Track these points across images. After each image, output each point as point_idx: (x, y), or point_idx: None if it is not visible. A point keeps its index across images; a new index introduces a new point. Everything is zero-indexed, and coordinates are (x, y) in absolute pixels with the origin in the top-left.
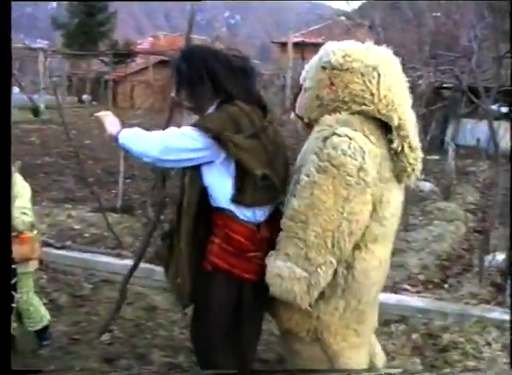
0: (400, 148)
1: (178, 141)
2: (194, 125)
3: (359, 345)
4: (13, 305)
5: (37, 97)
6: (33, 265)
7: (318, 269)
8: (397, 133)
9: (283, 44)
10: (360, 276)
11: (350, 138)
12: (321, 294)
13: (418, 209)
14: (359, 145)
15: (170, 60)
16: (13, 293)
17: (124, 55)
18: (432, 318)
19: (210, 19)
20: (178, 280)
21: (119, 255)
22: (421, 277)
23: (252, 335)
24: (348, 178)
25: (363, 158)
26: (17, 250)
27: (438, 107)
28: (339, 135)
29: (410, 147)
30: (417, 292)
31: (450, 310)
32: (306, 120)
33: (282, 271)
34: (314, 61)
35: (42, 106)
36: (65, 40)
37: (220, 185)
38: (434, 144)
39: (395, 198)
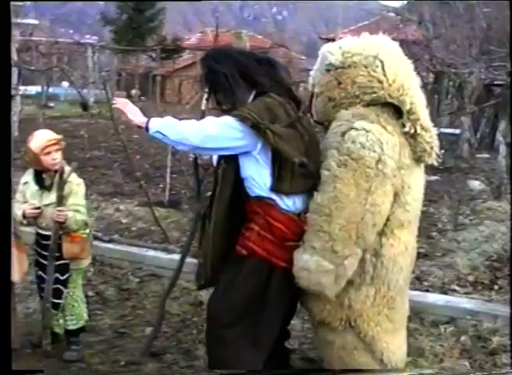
0: (412, 130)
1: (218, 130)
2: (233, 114)
3: (393, 330)
4: (61, 301)
5: (86, 91)
6: (86, 262)
7: (345, 261)
8: (408, 117)
9: (331, 40)
10: (388, 262)
11: (367, 131)
12: (351, 283)
13: (468, 209)
14: (376, 137)
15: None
16: (62, 288)
17: (172, 50)
18: (482, 320)
19: (257, 14)
20: (200, 260)
21: (165, 250)
22: (471, 278)
23: (272, 323)
24: (367, 170)
25: (381, 149)
26: (67, 248)
27: (489, 104)
28: (357, 129)
29: (422, 128)
30: (466, 293)
31: (500, 312)
32: (326, 123)
33: (310, 264)
34: (317, 66)
35: (91, 100)
36: (114, 35)
37: (259, 175)
38: (484, 142)
39: (416, 181)
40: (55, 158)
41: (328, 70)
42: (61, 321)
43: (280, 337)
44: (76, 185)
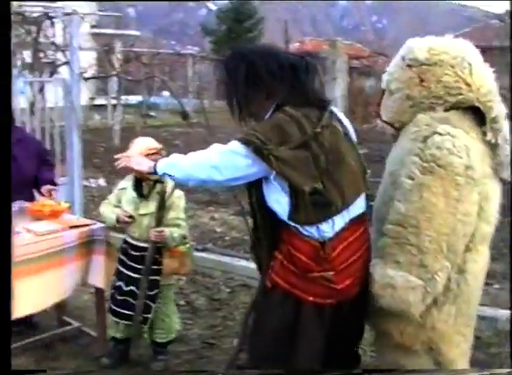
0: (493, 140)
1: (222, 159)
2: (238, 138)
3: (467, 352)
4: (149, 315)
5: (186, 101)
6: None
7: (435, 276)
8: (490, 125)
9: None
10: (471, 279)
11: (453, 136)
12: (434, 302)
13: None
14: (463, 142)
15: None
16: (151, 304)
17: None
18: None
19: (357, 23)
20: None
21: None
22: None
23: (305, 361)
24: (457, 178)
25: (468, 155)
26: (166, 264)
27: None
28: (441, 134)
29: (503, 139)
30: None
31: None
32: (397, 125)
33: (395, 280)
34: (396, 61)
35: (190, 110)
36: (214, 46)
37: (278, 202)
38: None
39: (495, 194)
40: None
41: (410, 66)
42: (145, 335)
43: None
44: (177, 198)
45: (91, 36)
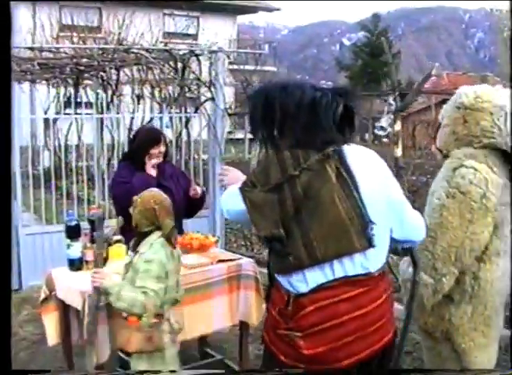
0: None
1: (226, 202)
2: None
3: (486, 345)
4: None
5: None
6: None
7: (443, 278)
8: None
9: None
10: (485, 284)
11: (476, 169)
12: (452, 300)
13: None
14: (483, 176)
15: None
16: None
17: (406, 94)
18: None
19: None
20: None
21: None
22: None
23: None
24: (472, 203)
25: (486, 186)
26: (123, 335)
27: None
28: (467, 167)
29: None
30: None
31: None
32: (444, 152)
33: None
34: (451, 101)
35: None
36: (350, 81)
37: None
38: None
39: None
40: None
41: (458, 108)
42: None
43: None
44: (142, 262)
45: (230, 72)
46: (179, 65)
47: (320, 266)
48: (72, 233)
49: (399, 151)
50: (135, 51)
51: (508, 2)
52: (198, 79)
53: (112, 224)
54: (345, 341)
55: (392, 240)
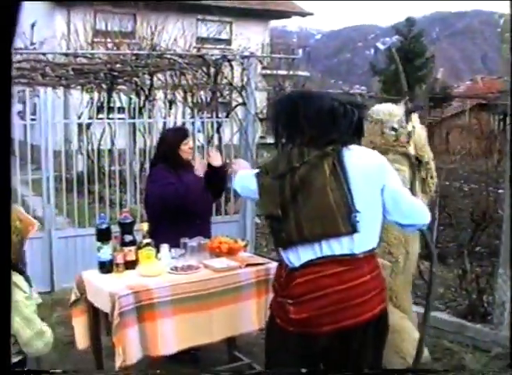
0: (424, 176)
1: (246, 182)
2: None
3: (410, 300)
4: None
5: None
6: None
7: (398, 260)
8: (425, 167)
9: None
10: (412, 257)
11: (401, 171)
12: (393, 273)
13: None
14: (407, 175)
15: (487, 104)
16: None
17: (441, 99)
18: None
19: None
20: None
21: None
22: None
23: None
24: None
25: (411, 185)
26: None
27: None
28: (396, 169)
29: (431, 177)
30: None
31: None
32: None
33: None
34: (368, 117)
35: None
36: (383, 85)
37: None
38: None
39: None
40: None
41: (376, 123)
42: None
43: None
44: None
45: (262, 77)
46: (212, 70)
47: (310, 244)
48: (103, 236)
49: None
50: (168, 56)
51: (508, 2)
52: (230, 84)
53: (142, 228)
54: (328, 309)
55: (399, 225)
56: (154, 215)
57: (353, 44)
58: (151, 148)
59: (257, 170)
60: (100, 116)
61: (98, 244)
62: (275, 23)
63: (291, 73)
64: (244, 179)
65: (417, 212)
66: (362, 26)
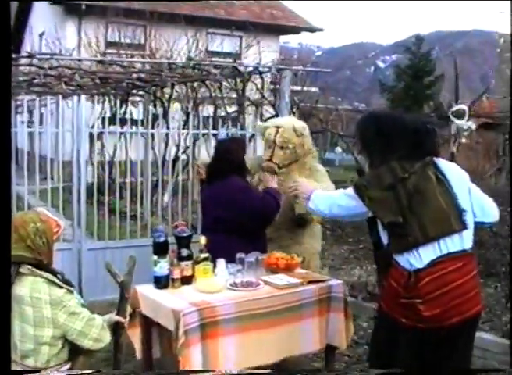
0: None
1: (340, 201)
2: (354, 182)
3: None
4: None
5: (360, 157)
6: None
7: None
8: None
9: None
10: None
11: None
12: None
13: None
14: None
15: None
16: None
17: (447, 117)
18: None
19: None
20: None
21: None
22: None
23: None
24: None
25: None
26: None
27: None
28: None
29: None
30: None
31: None
32: (281, 166)
33: None
34: (290, 130)
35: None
36: (391, 103)
37: (382, 233)
38: None
39: None
40: None
41: (298, 136)
42: None
43: None
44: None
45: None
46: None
47: (432, 244)
48: (161, 249)
49: None
50: (199, 67)
51: (508, 2)
52: (263, 96)
53: (199, 241)
54: (455, 302)
55: (481, 224)
56: (259, 227)
57: (352, 61)
58: (168, 159)
59: (341, 190)
60: (111, 128)
61: (155, 257)
62: (284, 39)
63: (305, 89)
64: (333, 198)
65: (495, 211)
66: (362, 44)
